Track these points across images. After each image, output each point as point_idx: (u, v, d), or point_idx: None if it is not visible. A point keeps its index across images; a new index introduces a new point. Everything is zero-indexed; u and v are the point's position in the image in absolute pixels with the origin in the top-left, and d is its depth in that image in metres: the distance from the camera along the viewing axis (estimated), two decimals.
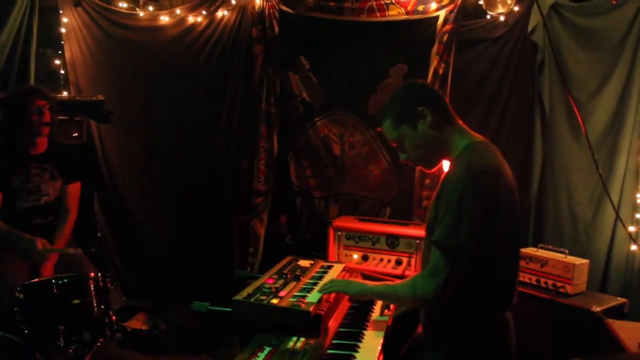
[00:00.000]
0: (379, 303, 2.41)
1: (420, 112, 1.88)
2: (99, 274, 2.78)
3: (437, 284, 1.75)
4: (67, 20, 4.24)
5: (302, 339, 1.95)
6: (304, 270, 2.56)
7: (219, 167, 4.26)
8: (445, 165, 1.98)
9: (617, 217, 3.29)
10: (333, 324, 2.20)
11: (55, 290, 2.58)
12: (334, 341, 2.04)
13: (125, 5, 4.28)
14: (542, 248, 3.25)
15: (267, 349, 1.86)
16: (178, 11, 4.16)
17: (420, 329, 2.10)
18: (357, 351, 1.96)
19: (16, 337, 2.48)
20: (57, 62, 4.29)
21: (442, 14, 3.67)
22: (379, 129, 2.02)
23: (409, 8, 3.71)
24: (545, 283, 3.11)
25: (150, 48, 4.27)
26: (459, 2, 3.60)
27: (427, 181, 3.75)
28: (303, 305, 2.05)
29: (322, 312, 2.07)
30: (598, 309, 2.84)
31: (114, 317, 2.81)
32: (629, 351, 2.38)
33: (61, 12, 4.23)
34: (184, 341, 3.86)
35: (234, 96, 4.16)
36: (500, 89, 3.69)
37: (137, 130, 4.39)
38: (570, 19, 3.47)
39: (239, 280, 2.78)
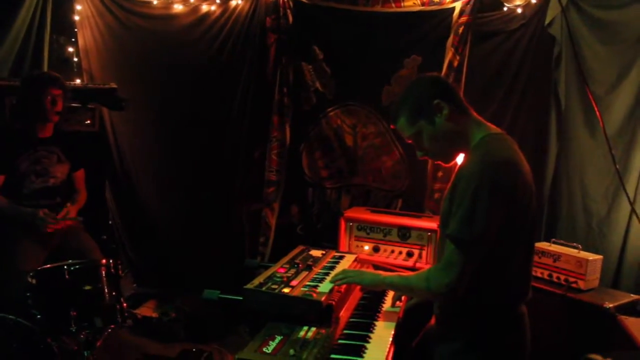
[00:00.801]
0: (391, 294, 2.40)
1: (437, 106, 1.85)
2: (111, 261, 2.79)
3: (451, 278, 1.74)
4: (80, 7, 4.23)
5: (313, 329, 1.94)
6: (316, 260, 2.56)
7: (231, 156, 4.25)
8: (460, 157, 1.96)
9: (633, 212, 3.25)
10: (344, 314, 2.19)
11: (67, 276, 2.61)
12: (345, 331, 2.03)
13: None
14: (554, 243, 3.23)
15: (278, 338, 1.85)
16: None
17: (433, 321, 2.09)
18: (368, 342, 1.95)
19: (28, 322, 2.50)
20: (70, 49, 4.29)
21: (458, 5, 3.64)
22: (392, 127, 1.99)
23: None
24: (558, 278, 3.09)
25: (163, 36, 4.25)
26: None
27: (440, 174, 3.74)
28: (315, 295, 2.04)
29: (334, 302, 2.07)
30: (611, 305, 2.81)
31: (125, 304, 2.83)
32: None
33: None
34: (194, 329, 3.88)
35: (246, 85, 4.14)
36: (515, 82, 3.66)
37: (149, 118, 4.39)
38: (589, 12, 3.42)
39: (248, 269, 2.79)
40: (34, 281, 2.60)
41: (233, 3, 4.08)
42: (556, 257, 3.11)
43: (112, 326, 2.76)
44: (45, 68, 4.04)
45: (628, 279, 3.38)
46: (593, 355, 2.16)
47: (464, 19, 3.61)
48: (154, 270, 4.55)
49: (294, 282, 2.17)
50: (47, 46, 4.09)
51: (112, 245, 4.34)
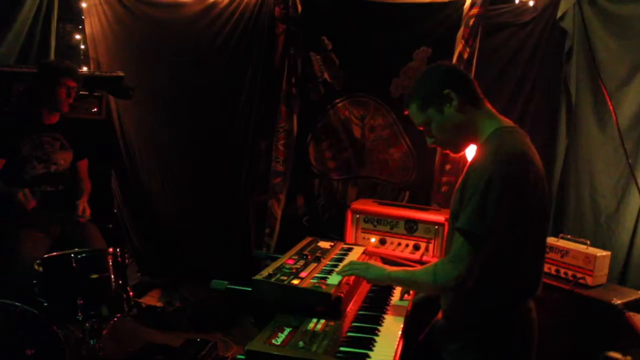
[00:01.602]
0: (399, 287, 2.39)
1: (446, 95, 1.84)
2: (117, 249, 2.79)
3: (459, 272, 1.72)
4: None
5: (323, 321, 1.94)
6: (324, 251, 2.55)
7: (238, 146, 4.23)
8: (472, 150, 1.94)
9: None
10: (353, 306, 2.19)
11: (74, 265, 2.61)
12: (354, 324, 2.03)
13: None
14: (562, 238, 3.21)
15: (287, 330, 1.85)
16: None
17: (440, 315, 2.07)
18: (377, 335, 1.95)
19: (34, 309, 2.49)
20: (78, 37, 4.28)
21: None
22: (406, 112, 1.98)
23: None
24: (565, 274, 3.08)
25: (171, 25, 4.23)
26: None
27: (448, 167, 3.71)
28: (324, 287, 2.03)
29: (343, 295, 2.06)
30: (619, 301, 2.80)
31: (131, 293, 2.83)
32: None
33: None
34: (198, 319, 3.88)
35: (254, 75, 4.11)
36: (526, 75, 3.63)
37: (156, 107, 4.38)
38: (602, 6, 3.39)
39: (254, 260, 2.78)
40: (40, 269, 2.60)
41: None
42: (564, 252, 3.10)
43: (119, 315, 2.76)
44: (52, 55, 4.03)
45: (636, 275, 3.36)
46: (612, 353, 2.15)
47: (475, 10, 3.58)
48: (158, 259, 4.55)
49: (303, 274, 2.16)
50: (54, 33, 4.08)
51: (117, 233, 4.34)
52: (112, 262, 2.75)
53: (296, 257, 2.39)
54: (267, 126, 4.11)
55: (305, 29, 3.96)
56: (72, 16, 4.27)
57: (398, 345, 1.91)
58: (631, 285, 3.24)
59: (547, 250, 3.13)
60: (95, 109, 3.89)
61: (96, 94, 3.87)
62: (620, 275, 3.39)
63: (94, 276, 2.64)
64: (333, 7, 3.90)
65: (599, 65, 3.36)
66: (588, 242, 3.10)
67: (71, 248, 2.70)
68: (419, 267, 2.00)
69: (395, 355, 1.82)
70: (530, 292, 1.87)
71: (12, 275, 2.84)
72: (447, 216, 2.94)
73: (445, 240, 2.93)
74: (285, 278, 2.09)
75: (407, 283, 2.11)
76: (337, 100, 4.04)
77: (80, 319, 2.58)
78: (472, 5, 3.59)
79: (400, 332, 2.00)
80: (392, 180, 4.03)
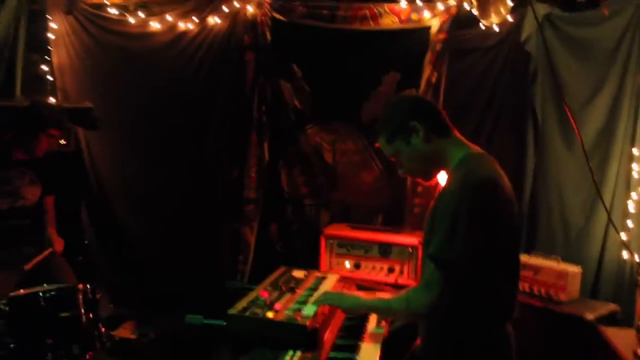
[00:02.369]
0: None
1: (412, 127, 1.86)
2: (88, 285, 2.73)
3: (431, 298, 1.72)
4: (56, 26, 4.17)
5: (299, 353, 1.92)
6: (298, 281, 2.54)
7: (210, 174, 4.20)
8: (443, 177, 1.96)
9: (610, 222, 3.30)
10: (329, 336, 2.17)
11: (42, 303, 2.53)
12: (331, 354, 2.02)
13: (115, 11, 4.20)
14: (534, 255, 3.26)
15: None
16: (168, 17, 4.10)
17: (419, 341, 2.07)
18: None
19: (1, 352, 2.42)
20: (45, 67, 4.22)
21: (435, 23, 3.67)
22: (376, 144, 2.00)
23: (402, 17, 3.70)
24: (539, 291, 3.12)
25: (140, 55, 4.20)
26: (453, 12, 3.60)
27: (420, 189, 3.74)
28: (299, 319, 2.02)
29: (318, 325, 2.05)
30: (591, 316, 2.85)
31: (103, 329, 2.77)
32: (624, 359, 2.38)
33: (49, 17, 4.16)
34: (174, 350, 3.81)
35: (225, 103, 4.10)
36: (492, 98, 3.69)
37: (125, 137, 4.32)
38: (563, 29, 3.49)
39: (230, 291, 2.75)
40: (6, 308, 2.52)
41: (211, 21, 4.05)
42: (536, 269, 3.14)
43: (90, 352, 2.69)
44: (18, 86, 3.97)
45: (606, 288, 3.42)
46: None
47: (441, 36, 3.64)
48: (132, 290, 4.45)
49: (277, 306, 2.15)
50: (20, 63, 4.03)
51: (88, 266, 4.26)
52: (83, 298, 2.69)
53: (270, 289, 2.37)
54: (238, 154, 4.10)
55: (274, 57, 3.98)
56: (40, 46, 4.21)
57: None
58: (603, 299, 3.30)
59: (520, 268, 3.16)
60: (64, 141, 3.83)
61: (65, 126, 3.81)
62: (592, 289, 3.44)
63: (64, 314, 2.57)
64: (302, 35, 3.91)
65: (563, 86, 3.44)
66: (559, 258, 3.16)
67: (40, 284, 2.64)
68: (392, 295, 2.01)
69: None
70: (506, 316, 1.87)
71: None
72: (421, 238, 2.96)
73: (420, 266, 2.95)
74: (259, 311, 2.08)
75: (381, 311, 2.11)
76: (308, 127, 4.06)
77: (50, 359, 2.50)
78: (438, 31, 3.66)
79: None
80: (365, 203, 4.04)
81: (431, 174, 1.96)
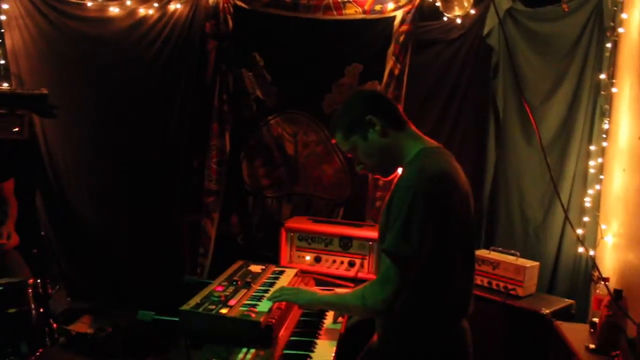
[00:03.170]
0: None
1: (368, 121, 1.84)
2: (39, 280, 2.65)
3: (387, 294, 1.71)
4: (7, 6, 4.02)
5: (252, 351, 1.88)
6: (255, 276, 2.49)
7: (170, 164, 4.13)
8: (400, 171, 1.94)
9: (567, 219, 3.34)
10: (284, 333, 2.14)
11: None
12: (285, 351, 1.98)
13: None
14: (494, 250, 3.29)
15: None
16: (128, 2, 4.00)
17: (375, 338, 2.06)
18: None
19: None
20: None
21: (399, 14, 3.65)
22: (333, 140, 1.98)
23: (366, 7, 3.68)
24: (497, 285, 3.15)
25: (98, 40, 4.09)
26: (416, 3, 3.59)
27: (381, 182, 3.73)
28: (253, 315, 1.98)
29: (274, 322, 2.01)
30: (547, 311, 2.89)
31: (55, 325, 2.69)
32: (577, 353, 2.41)
33: None
34: (131, 344, 3.74)
35: (186, 92, 4.03)
36: (455, 91, 3.69)
37: (83, 125, 4.21)
38: (524, 24, 3.50)
39: (187, 286, 2.69)
40: None
41: (172, 7, 3.96)
42: (495, 264, 3.17)
43: (40, 350, 2.61)
44: None
45: (563, 283, 3.47)
46: None
47: (404, 27, 3.62)
48: (89, 283, 4.37)
49: (232, 302, 2.10)
50: None
51: (44, 259, 4.14)
52: (33, 294, 2.60)
53: (226, 284, 2.32)
54: (199, 144, 4.03)
55: (236, 45, 3.92)
56: None
57: None
58: (559, 293, 3.36)
59: (480, 263, 3.20)
60: (17, 129, 3.69)
61: (18, 112, 3.68)
62: (549, 284, 3.49)
63: (12, 310, 2.49)
64: (264, 24, 3.87)
65: (523, 80, 3.46)
66: (518, 253, 3.19)
67: None
68: (349, 290, 1.99)
69: None
70: (462, 312, 1.87)
71: None
72: None
73: (375, 261, 2.94)
74: (213, 307, 2.03)
75: (337, 307, 2.10)
76: (270, 117, 4.01)
77: None
78: (401, 23, 3.64)
79: (332, 357, 1.98)
80: (326, 196, 4.02)
81: (389, 170, 1.95)
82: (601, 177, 3.34)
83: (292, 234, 3.38)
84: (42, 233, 4.25)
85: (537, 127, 3.08)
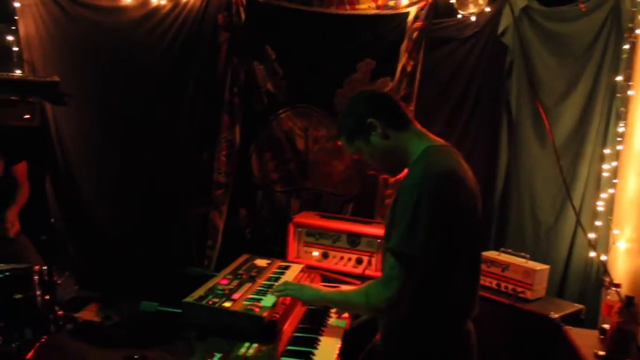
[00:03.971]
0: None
1: (370, 124, 1.82)
2: (44, 267, 2.65)
3: (391, 293, 1.68)
4: None
5: (255, 345, 1.87)
6: (260, 270, 2.48)
7: (180, 156, 4.12)
8: None
9: (579, 223, 3.30)
10: (288, 328, 2.12)
11: None
12: (289, 347, 1.97)
13: None
14: (504, 252, 3.25)
15: (218, 356, 1.77)
16: None
17: (378, 336, 2.04)
18: (311, 359, 1.89)
19: None
20: (10, 38, 4.07)
21: (413, 10, 3.62)
22: (339, 143, 1.96)
23: (379, 2, 3.66)
24: (506, 287, 3.11)
25: (111, 29, 4.07)
26: (431, 0, 3.54)
27: (391, 179, 3.70)
28: (257, 310, 1.96)
29: (277, 317, 2.00)
30: (556, 315, 2.85)
31: (60, 312, 2.69)
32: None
33: None
34: (137, 334, 3.74)
35: (197, 84, 4.01)
36: (468, 90, 3.66)
37: (95, 114, 4.20)
38: (540, 23, 3.45)
39: (191, 278, 2.68)
40: None
41: None
42: (505, 266, 3.13)
43: (45, 337, 2.61)
44: None
45: (573, 287, 3.44)
46: None
47: (418, 24, 3.59)
48: (97, 272, 4.37)
49: (235, 295, 2.09)
50: None
51: (53, 246, 4.16)
52: (39, 281, 2.60)
53: (230, 277, 2.31)
54: (209, 136, 4.01)
55: (248, 38, 3.89)
56: (5, 15, 4.05)
57: None
58: (569, 298, 3.31)
59: (489, 264, 3.16)
60: (28, 116, 3.70)
61: (29, 99, 3.69)
62: (559, 287, 3.45)
63: (18, 296, 2.49)
64: (277, 17, 3.84)
65: (537, 81, 3.42)
66: (528, 256, 3.15)
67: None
68: (353, 288, 1.96)
69: None
70: (467, 313, 1.84)
71: None
72: None
73: (381, 260, 2.91)
74: (217, 300, 2.02)
75: (340, 304, 2.07)
76: (281, 111, 3.99)
77: (1, 342, 2.42)
78: (415, 19, 3.61)
79: (336, 355, 1.96)
80: (336, 192, 4.00)
81: (396, 170, 1.92)
82: (615, 181, 3.27)
83: (300, 229, 3.37)
84: (52, 220, 4.26)
85: (550, 128, 3.03)
